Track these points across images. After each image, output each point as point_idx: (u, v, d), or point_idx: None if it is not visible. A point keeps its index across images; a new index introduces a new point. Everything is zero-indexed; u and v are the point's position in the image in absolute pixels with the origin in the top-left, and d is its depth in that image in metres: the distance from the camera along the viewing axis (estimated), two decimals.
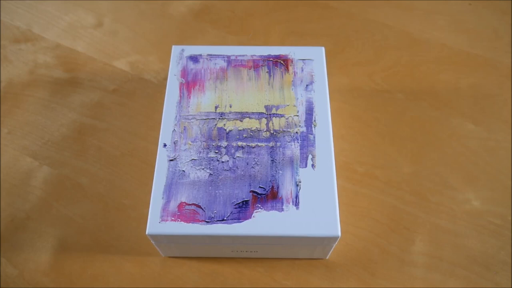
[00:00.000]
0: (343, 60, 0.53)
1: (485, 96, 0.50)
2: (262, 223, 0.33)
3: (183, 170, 0.36)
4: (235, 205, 0.34)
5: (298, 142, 0.37)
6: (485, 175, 0.44)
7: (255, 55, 0.42)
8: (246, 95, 0.40)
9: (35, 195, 0.43)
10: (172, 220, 0.33)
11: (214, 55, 0.42)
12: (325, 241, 0.35)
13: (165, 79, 0.50)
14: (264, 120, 0.38)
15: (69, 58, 0.54)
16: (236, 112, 0.39)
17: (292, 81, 0.41)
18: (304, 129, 0.38)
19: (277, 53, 0.42)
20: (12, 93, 0.50)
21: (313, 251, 0.37)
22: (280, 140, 0.37)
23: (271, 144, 0.37)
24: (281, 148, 0.37)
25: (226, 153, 0.36)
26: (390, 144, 0.46)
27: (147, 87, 0.51)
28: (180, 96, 0.40)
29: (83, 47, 0.54)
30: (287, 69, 0.41)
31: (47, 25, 0.57)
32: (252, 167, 0.36)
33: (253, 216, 0.34)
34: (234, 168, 0.36)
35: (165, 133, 0.38)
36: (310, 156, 0.36)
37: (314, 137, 0.37)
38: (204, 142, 0.37)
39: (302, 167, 0.36)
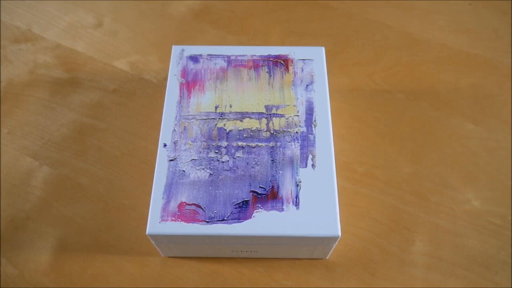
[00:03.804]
0: (343, 60, 0.53)
1: (485, 96, 0.50)
2: (262, 223, 0.33)
3: (183, 170, 0.36)
4: (235, 205, 0.34)
5: (298, 142, 0.37)
6: (485, 175, 0.44)
7: (255, 55, 0.42)
8: (246, 95, 0.40)
9: (35, 195, 0.43)
10: (172, 220, 0.33)
11: (214, 55, 0.42)
12: (325, 241, 0.35)
13: (165, 79, 0.50)
14: (264, 120, 0.38)
15: (69, 58, 0.53)
16: (236, 112, 0.39)
17: (292, 81, 0.41)
18: (304, 129, 0.38)
19: (277, 53, 0.42)
20: (12, 93, 0.50)
21: (313, 251, 0.37)
22: (280, 140, 0.37)
23: (271, 144, 0.37)
24: (281, 148, 0.37)
25: (226, 153, 0.36)
26: (390, 144, 0.46)
27: (147, 87, 0.51)
28: (180, 96, 0.40)
29: (83, 47, 0.54)
30: (287, 69, 0.41)
31: (47, 25, 0.57)
32: (252, 167, 0.36)
33: (253, 216, 0.34)
34: (234, 168, 0.36)
35: (165, 133, 0.38)
36: (310, 156, 0.36)
37: (314, 137, 0.37)
38: (204, 142, 0.37)
39: (302, 167, 0.36)
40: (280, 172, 0.35)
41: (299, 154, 0.36)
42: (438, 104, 0.49)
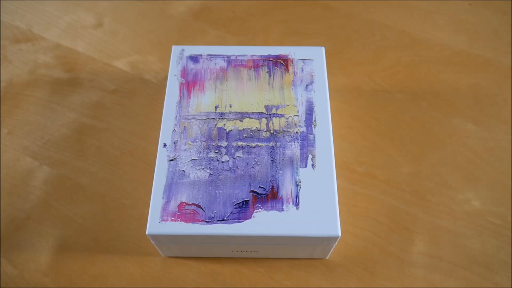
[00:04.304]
0: (343, 60, 0.53)
1: (485, 96, 0.50)
2: (262, 223, 0.33)
3: (183, 170, 0.36)
4: (235, 205, 0.34)
5: (298, 142, 0.37)
6: (485, 175, 0.44)
7: (255, 55, 0.42)
8: (246, 95, 0.40)
9: (35, 195, 0.43)
10: (172, 220, 0.33)
11: (214, 55, 0.42)
12: (325, 241, 0.35)
13: (165, 79, 0.50)
14: (264, 120, 0.38)
15: (69, 58, 0.54)
16: (236, 112, 0.39)
17: (292, 81, 0.41)
18: (304, 129, 0.38)
19: (277, 53, 0.42)
20: (12, 93, 0.50)
21: (313, 251, 0.37)
22: (280, 140, 0.37)
23: (271, 144, 0.37)
24: (281, 148, 0.37)
25: (226, 153, 0.36)
26: (390, 144, 0.46)
27: (147, 87, 0.51)
28: (180, 96, 0.40)
29: (83, 47, 0.54)
30: (287, 69, 0.41)
31: (47, 25, 0.57)
32: (252, 167, 0.36)
33: (253, 216, 0.34)
34: (234, 168, 0.36)
35: (165, 133, 0.38)
36: (310, 156, 0.36)
37: (314, 137, 0.37)
38: (204, 142, 0.37)
39: (302, 167, 0.36)
40: (280, 172, 0.35)
41: (299, 154, 0.36)
42: (438, 104, 0.49)
